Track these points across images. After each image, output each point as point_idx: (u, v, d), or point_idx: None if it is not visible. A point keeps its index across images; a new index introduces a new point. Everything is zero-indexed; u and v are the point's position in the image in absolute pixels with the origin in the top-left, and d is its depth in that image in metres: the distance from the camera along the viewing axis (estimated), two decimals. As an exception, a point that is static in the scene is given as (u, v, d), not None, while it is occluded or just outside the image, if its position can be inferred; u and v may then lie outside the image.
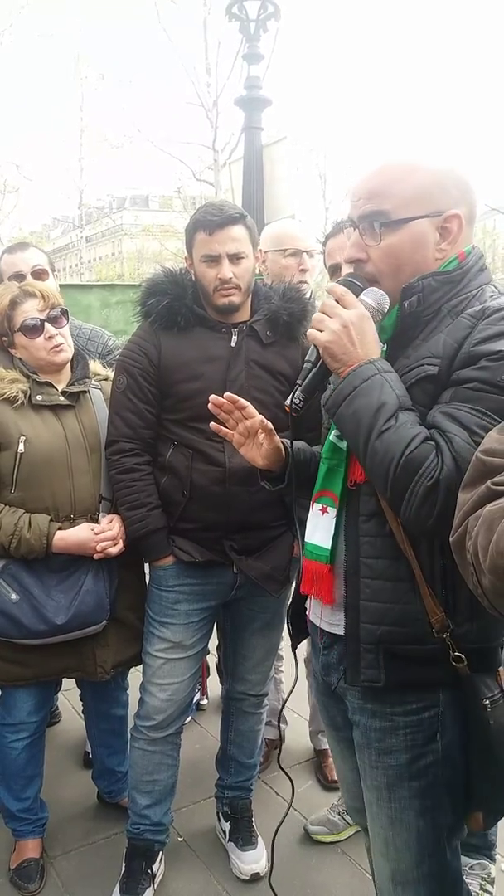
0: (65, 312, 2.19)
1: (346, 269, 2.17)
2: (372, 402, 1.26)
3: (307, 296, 2.23)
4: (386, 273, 1.36)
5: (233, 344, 2.07)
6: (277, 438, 1.67)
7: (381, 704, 1.41)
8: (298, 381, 1.40)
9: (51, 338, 2.13)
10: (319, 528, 1.46)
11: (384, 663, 1.36)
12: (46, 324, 2.13)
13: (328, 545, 1.44)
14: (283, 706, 1.89)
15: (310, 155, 21.13)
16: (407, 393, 1.29)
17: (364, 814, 1.71)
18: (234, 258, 2.03)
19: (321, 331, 1.33)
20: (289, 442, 1.61)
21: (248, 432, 1.68)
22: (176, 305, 2.05)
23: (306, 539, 1.50)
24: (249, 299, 2.14)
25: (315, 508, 1.48)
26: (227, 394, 1.66)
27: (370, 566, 1.37)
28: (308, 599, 1.58)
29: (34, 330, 2.12)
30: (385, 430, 1.24)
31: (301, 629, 1.66)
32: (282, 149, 5.24)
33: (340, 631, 1.44)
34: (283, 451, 1.68)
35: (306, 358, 1.40)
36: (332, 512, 1.44)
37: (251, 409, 1.66)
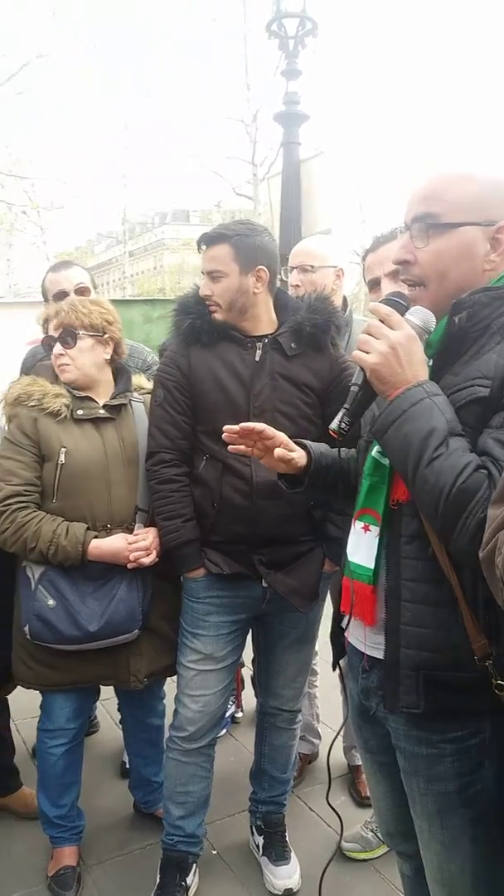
0: (88, 335, 2.23)
1: (386, 283, 2.19)
2: (422, 428, 1.22)
3: (333, 305, 2.23)
4: (432, 277, 1.35)
5: (257, 358, 2.09)
6: (297, 453, 1.66)
7: (426, 731, 1.38)
8: (346, 406, 1.36)
9: (57, 356, 2.23)
10: (362, 546, 1.44)
11: (423, 689, 1.33)
12: (57, 342, 2.22)
13: (372, 565, 1.41)
14: (335, 740, 1.86)
15: (347, 168, 21.14)
16: (456, 416, 1.25)
17: (398, 839, 1.69)
18: (212, 276, 2.08)
19: (368, 353, 1.29)
20: (312, 445, 1.61)
21: (268, 447, 1.67)
22: (198, 324, 2.11)
23: (348, 558, 1.47)
24: (268, 312, 2.16)
25: (357, 526, 1.45)
26: (242, 424, 1.66)
27: (411, 589, 1.34)
28: (346, 619, 1.55)
29: (49, 347, 2.26)
30: (436, 457, 1.21)
31: (341, 647, 1.64)
32: (319, 163, 5.26)
33: (379, 654, 1.42)
34: (306, 457, 1.66)
35: (352, 381, 1.37)
36: (375, 531, 1.41)
37: (268, 430, 1.65)
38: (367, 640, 1.47)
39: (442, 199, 1.32)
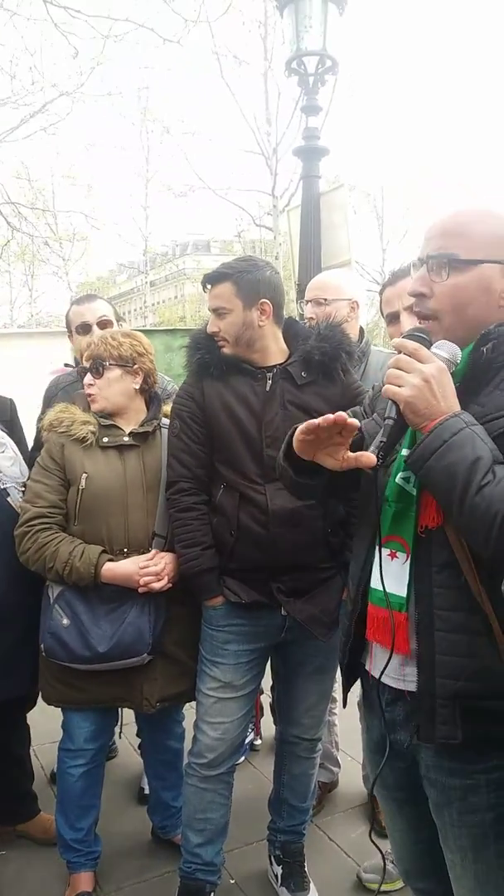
0: (115, 365, 2.31)
1: (405, 317, 2.21)
2: (466, 456, 1.22)
3: (344, 333, 2.25)
4: (447, 311, 1.37)
5: (267, 388, 2.14)
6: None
7: (460, 762, 1.37)
8: (382, 439, 1.34)
9: (86, 386, 2.33)
10: (389, 574, 1.41)
11: (460, 719, 1.32)
12: (87, 373, 2.33)
13: (403, 593, 1.39)
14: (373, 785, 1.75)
15: (367, 199, 21.36)
16: (495, 445, 1.26)
17: (415, 876, 1.67)
18: (217, 313, 2.16)
19: (401, 386, 1.30)
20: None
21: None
22: (207, 358, 2.18)
23: (372, 585, 1.45)
24: (276, 343, 2.21)
25: (383, 553, 1.43)
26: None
27: (444, 618, 1.33)
28: (367, 650, 1.53)
29: (79, 376, 2.37)
30: (484, 484, 1.21)
31: (353, 674, 1.63)
32: (339, 196, 5.33)
33: (407, 686, 1.41)
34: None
35: (386, 415, 1.35)
36: (402, 558, 1.40)
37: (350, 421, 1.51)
38: (390, 672, 1.44)
39: (462, 235, 1.35)
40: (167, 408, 2.44)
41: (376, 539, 1.44)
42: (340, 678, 1.65)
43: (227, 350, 2.19)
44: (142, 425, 2.35)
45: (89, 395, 2.33)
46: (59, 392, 2.81)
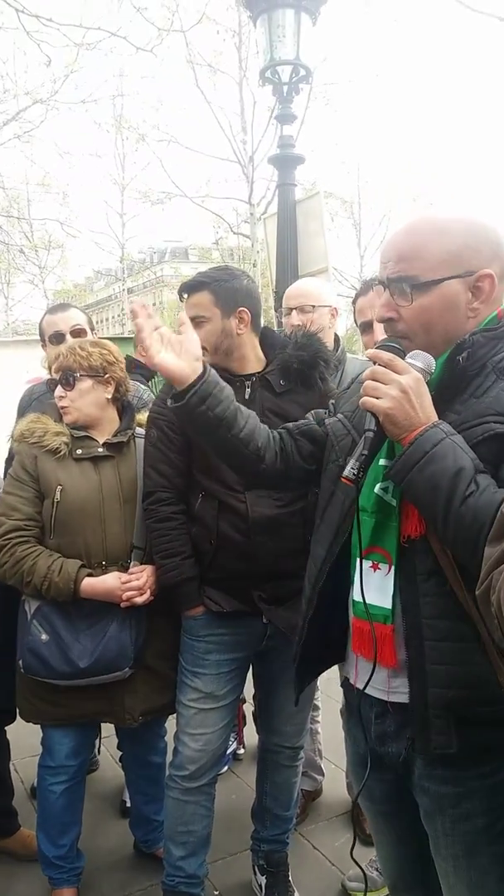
0: (86, 376, 2.27)
1: (379, 328, 2.23)
2: (448, 467, 1.23)
3: (321, 341, 2.26)
4: (418, 332, 1.37)
5: (246, 396, 2.14)
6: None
7: (453, 770, 1.36)
8: (364, 452, 1.33)
9: (58, 398, 2.29)
10: (372, 586, 1.40)
11: (455, 728, 1.31)
12: (58, 385, 2.29)
13: (388, 605, 1.38)
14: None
15: (344, 205, 21.46)
16: (475, 454, 1.26)
17: (401, 888, 1.66)
18: (195, 322, 2.11)
19: (378, 398, 1.30)
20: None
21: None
22: None
23: (355, 598, 1.44)
24: (256, 351, 2.20)
25: (365, 565, 1.42)
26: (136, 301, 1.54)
27: (434, 627, 1.32)
28: (348, 661, 1.53)
29: (51, 389, 2.34)
30: (468, 494, 1.21)
31: (304, 673, 1.64)
32: (315, 204, 5.36)
33: (397, 698, 1.40)
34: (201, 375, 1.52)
35: (365, 427, 1.35)
36: (385, 569, 1.39)
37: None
38: (382, 685, 1.43)
39: (419, 257, 1.34)
40: (142, 417, 2.42)
41: (339, 544, 1.45)
42: (319, 686, 1.66)
43: (206, 359, 2.16)
44: (115, 436, 2.32)
45: (61, 407, 2.29)
46: (34, 402, 2.79)
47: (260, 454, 1.61)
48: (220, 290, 2.14)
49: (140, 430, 2.36)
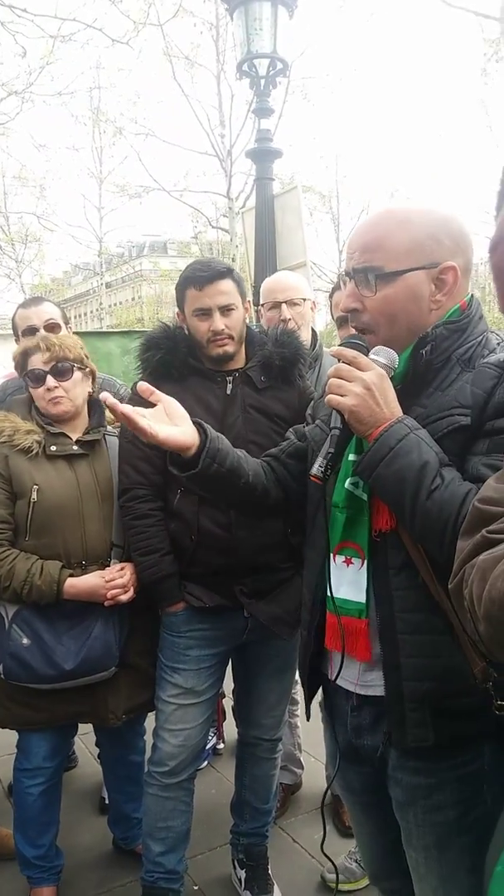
0: (70, 368, 2.23)
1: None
2: (413, 462, 1.24)
3: (300, 339, 2.29)
4: (382, 323, 1.38)
5: (228, 391, 2.13)
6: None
7: (426, 761, 1.37)
8: (330, 450, 1.35)
9: (49, 389, 2.20)
10: (345, 580, 1.41)
11: (432, 721, 1.32)
12: (49, 376, 2.20)
13: (363, 599, 1.39)
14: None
15: (322, 200, 21.48)
16: (440, 448, 1.28)
17: (382, 877, 1.67)
18: (225, 310, 2.12)
19: (343, 395, 1.31)
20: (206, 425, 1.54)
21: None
22: (168, 358, 2.14)
23: (331, 593, 1.43)
24: (243, 347, 2.22)
25: (338, 561, 1.43)
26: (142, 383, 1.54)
27: (407, 620, 1.33)
28: (327, 657, 1.53)
29: (37, 380, 2.22)
30: (434, 488, 1.22)
31: (315, 683, 1.62)
32: (293, 198, 5.35)
33: (373, 692, 1.41)
34: (200, 435, 1.52)
35: (332, 425, 1.36)
36: (358, 563, 1.40)
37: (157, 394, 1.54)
38: (350, 678, 1.44)
39: (383, 248, 1.35)
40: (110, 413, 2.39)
41: (329, 546, 1.44)
42: (299, 680, 1.66)
43: (229, 349, 2.14)
44: (87, 433, 2.28)
45: (54, 398, 2.21)
46: (7, 398, 2.75)
47: (266, 492, 1.64)
48: (238, 279, 2.16)
49: (108, 428, 2.33)
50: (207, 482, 1.55)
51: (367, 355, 1.35)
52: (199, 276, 2.11)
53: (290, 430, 1.77)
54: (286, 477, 1.65)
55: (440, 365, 1.36)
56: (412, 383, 1.38)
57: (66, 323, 2.85)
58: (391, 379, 1.36)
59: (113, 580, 2.14)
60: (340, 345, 1.40)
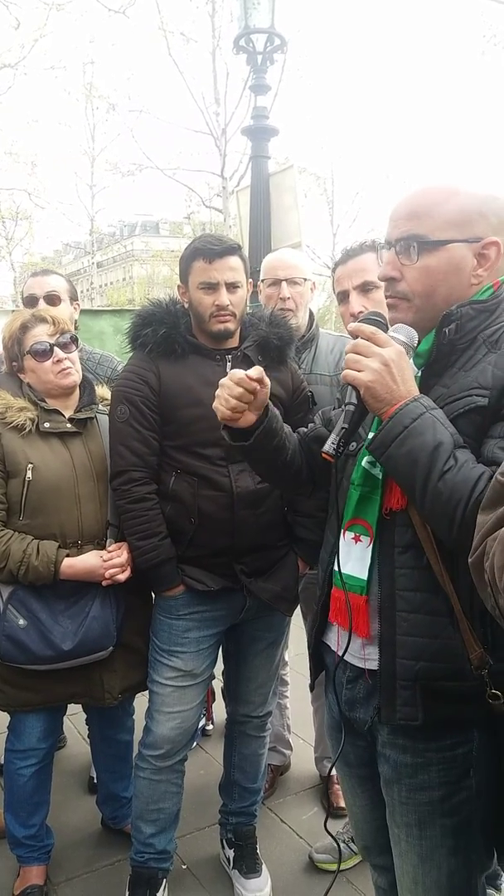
0: (75, 340, 2.23)
1: (354, 296, 2.22)
2: (427, 442, 1.22)
3: (291, 321, 2.31)
4: (419, 293, 1.36)
5: (227, 369, 2.10)
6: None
7: (414, 740, 1.38)
8: (344, 425, 1.33)
9: (59, 361, 2.16)
10: (352, 557, 1.42)
11: (422, 700, 1.32)
12: (56, 348, 2.16)
13: (364, 575, 1.40)
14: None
15: (318, 181, 21.29)
16: (455, 429, 1.26)
17: (374, 852, 1.68)
18: (231, 287, 2.08)
19: (360, 370, 1.29)
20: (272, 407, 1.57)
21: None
22: (172, 334, 2.10)
23: (334, 569, 1.45)
24: (240, 327, 2.20)
25: (347, 537, 1.44)
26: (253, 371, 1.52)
27: (407, 599, 1.33)
28: (329, 630, 1.54)
29: (43, 354, 2.16)
30: (446, 470, 1.21)
31: (320, 662, 1.63)
32: (288, 177, 5.29)
33: (369, 665, 1.41)
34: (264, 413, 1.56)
35: (346, 400, 1.34)
36: (366, 541, 1.40)
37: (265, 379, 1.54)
38: (352, 651, 1.45)
39: (429, 216, 1.33)
40: (102, 391, 2.34)
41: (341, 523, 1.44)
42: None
43: (230, 325, 2.11)
44: (79, 411, 2.24)
45: (64, 369, 2.16)
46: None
47: (300, 470, 1.68)
48: (244, 257, 2.15)
49: (102, 408, 2.30)
50: (252, 453, 1.60)
51: (386, 332, 1.33)
52: (211, 249, 2.07)
53: (318, 413, 1.79)
54: (312, 459, 1.68)
55: (465, 345, 1.34)
56: (436, 363, 1.36)
57: (74, 299, 2.79)
58: (417, 353, 1.35)
59: (111, 559, 2.11)
60: (359, 321, 1.37)
